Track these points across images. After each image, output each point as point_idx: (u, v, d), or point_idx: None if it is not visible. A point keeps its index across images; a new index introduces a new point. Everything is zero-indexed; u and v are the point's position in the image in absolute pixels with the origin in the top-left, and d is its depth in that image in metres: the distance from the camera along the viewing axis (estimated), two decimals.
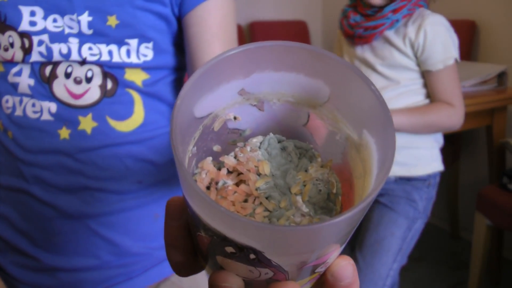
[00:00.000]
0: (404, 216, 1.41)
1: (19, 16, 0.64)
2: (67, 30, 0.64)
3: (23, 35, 0.65)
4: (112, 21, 0.65)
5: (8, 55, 0.66)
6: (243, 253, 0.28)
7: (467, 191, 2.51)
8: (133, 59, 0.67)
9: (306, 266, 0.29)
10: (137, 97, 0.69)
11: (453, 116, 1.37)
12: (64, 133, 0.66)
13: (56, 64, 0.66)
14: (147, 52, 0.68)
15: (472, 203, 1.98)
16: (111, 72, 0.66)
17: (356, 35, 1.42)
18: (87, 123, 0.66)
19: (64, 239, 0.69)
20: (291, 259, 0.29)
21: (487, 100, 1.91)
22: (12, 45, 0.65)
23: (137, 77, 0.68)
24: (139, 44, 0.67)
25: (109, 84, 0.66)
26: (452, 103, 1.36)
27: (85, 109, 0.66)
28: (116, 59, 0.66)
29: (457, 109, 1.36)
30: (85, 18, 0.64)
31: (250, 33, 3.02)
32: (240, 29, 2.92)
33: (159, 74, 0.70)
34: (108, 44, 0.65)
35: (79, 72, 0.65)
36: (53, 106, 0.66)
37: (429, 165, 1.43)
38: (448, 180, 2.47)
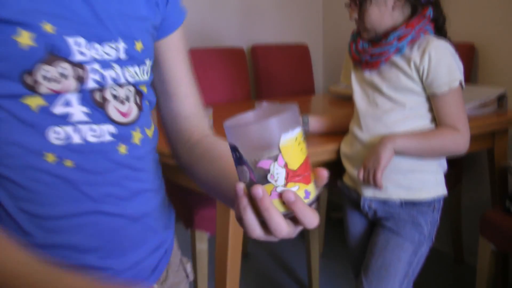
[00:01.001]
0: (410, 241, 1.40)
1: (68, 46, 0.66)
2: (109, 57, 0.71)
3: (76, 65, 0.67)
4: (139, 46, 0.75)
5: (59, 86, 0.66)
6: (235, 154, 0.53)
7: (470, 214, 2.49)
8: (146, 77, 0.79)
9: (258, 167, 0.52)
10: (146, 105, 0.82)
11: (459, 141, 1.38)
12: (122, 148, 0.74)
13: (104, 88, 0.72)
14: (150, 69, 0.81)
15: (476, 226, 1.97)
16: (139, 89, 0.78)
17: (363, 61, 1.44)
18: (137, 136, 0.77)
19: (131, 241, 0.78)
20: (249, 156, 0.51)
21: (487, 122, 1.91)
22: (64, 76, 0.66)
23: (144, 90, 0.80)
24: (151, 63, 0.80)
25: (137, 99, 0.77)
26: (457, 127, 1.37)
27: (133, 124, 0.76)
28: (140, 78, 0.78)
29: (463, 134, 1.37)
30: (121, 45, 0.73)
31: (251, 56, 3.04)
32: (241, 52, 2.94)
33: (148, 84, 0.83)
34: (134, 66, 0.76)
35: (121, 93, 0.74)
36: (111, 127, 0.72)
37: (433, 189, 1.43)
38: (450, 203, 2.46)
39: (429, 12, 1.40)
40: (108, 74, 0.71)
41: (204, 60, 2.69)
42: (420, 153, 1.38)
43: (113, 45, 0.71)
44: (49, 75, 0.66)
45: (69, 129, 0.68)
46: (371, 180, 1.35)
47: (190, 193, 1.91)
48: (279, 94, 2.98)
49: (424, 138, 1.38)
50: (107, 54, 0.71)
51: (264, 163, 0.51)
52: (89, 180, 0.71)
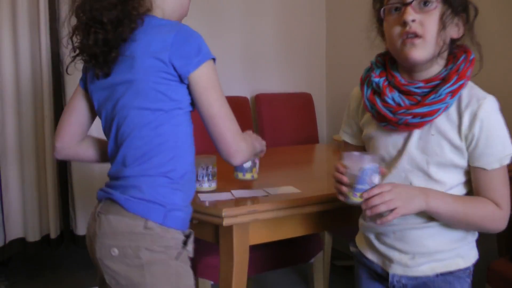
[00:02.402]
0: None
1: None
2: None
3: None
4: None
5: None
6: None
7: (477, 264, 2.45)
8: None
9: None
10: None
11: (498, 219, 1.16)
12: None
13: None
14: None
15: (482, 276, 1.94)
16: None
17: (401, 123, 1.13)
18: None
19: None
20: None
21: None
22: None
23: None
24: None
25: None
26: (500, 204, 1.14)
27: None
28: None
29: (503, 212, 1.15)
30: None
31: (255, 105, 3.08)
32: (245, 101, 2.98)
33: None
34: None
35: None
36: None
37: (469, 258, 1.25)
38: None
39: (473, 55, 1.15)
40: None
41: None
42: (452, 220, 1.14)
43: None
44: None
45: None
46: (377, 209, 1.06)
47: (194, 240, 1.90)
48: (283, 143, 3.01)
49: (462, 203, 1.13)
50: None
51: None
52: None
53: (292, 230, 1.56)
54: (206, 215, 1.37)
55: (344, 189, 1.09)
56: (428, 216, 1.16)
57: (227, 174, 1.57)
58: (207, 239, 1.50)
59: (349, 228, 1.70)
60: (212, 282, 1.84)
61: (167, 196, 1.11)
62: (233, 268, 1.41)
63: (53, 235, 2.79)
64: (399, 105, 1.13)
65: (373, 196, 1.06)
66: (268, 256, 2.00)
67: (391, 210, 1.06)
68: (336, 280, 2.75)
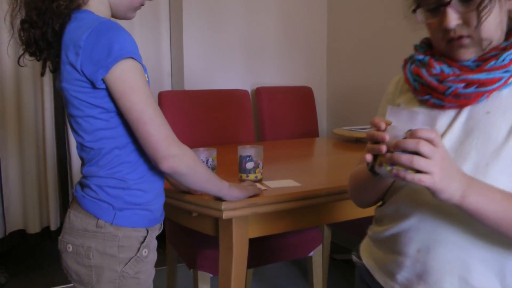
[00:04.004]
0: None
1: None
2: None
3: None
4: None
5: None
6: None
7: None
8: None
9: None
10: None
11: None
12: None
13: None
14: None
15: None
16: None
17: (449, 93, 0.88)
18: None
19: None
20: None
21: None
22: None
23: None
24: None
25: None
26: None
27: None
28: None
29: None
30: None
31: (255, 98, 3.08)
32: (246, 94, 2.98)
33: None
34: None
35: None
36: None
37: None
38: None
39: None
40: None
41: (208, 101, 2.73)
42: (495, 227, 0.81)
43: None
44: None
45: None
46: (402, 159, 0.74)
47: (193, 233, 1.90)
48: (283, 137, 3.01)
49: None
50: None
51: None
52: None
53: (291, 224, 1.56)
54: (205, 208, 1.37)
55: (384, 149, 0.76)
56: (478, 230, 0.85)
57: (227, 167, 1.57)
58: (207, 232, 1.50)
59: (349, 222, 1.71)
60: (211, 275, 1.84)
61: (117, 196, 1.10)
62: (232, 261, 1.41)
63: (53, 227, 2.80)
64: (448, 74, 0.90)
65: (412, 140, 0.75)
66: (268, 249, 2.00)
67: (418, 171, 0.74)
68: (335, 273, 2.76)
